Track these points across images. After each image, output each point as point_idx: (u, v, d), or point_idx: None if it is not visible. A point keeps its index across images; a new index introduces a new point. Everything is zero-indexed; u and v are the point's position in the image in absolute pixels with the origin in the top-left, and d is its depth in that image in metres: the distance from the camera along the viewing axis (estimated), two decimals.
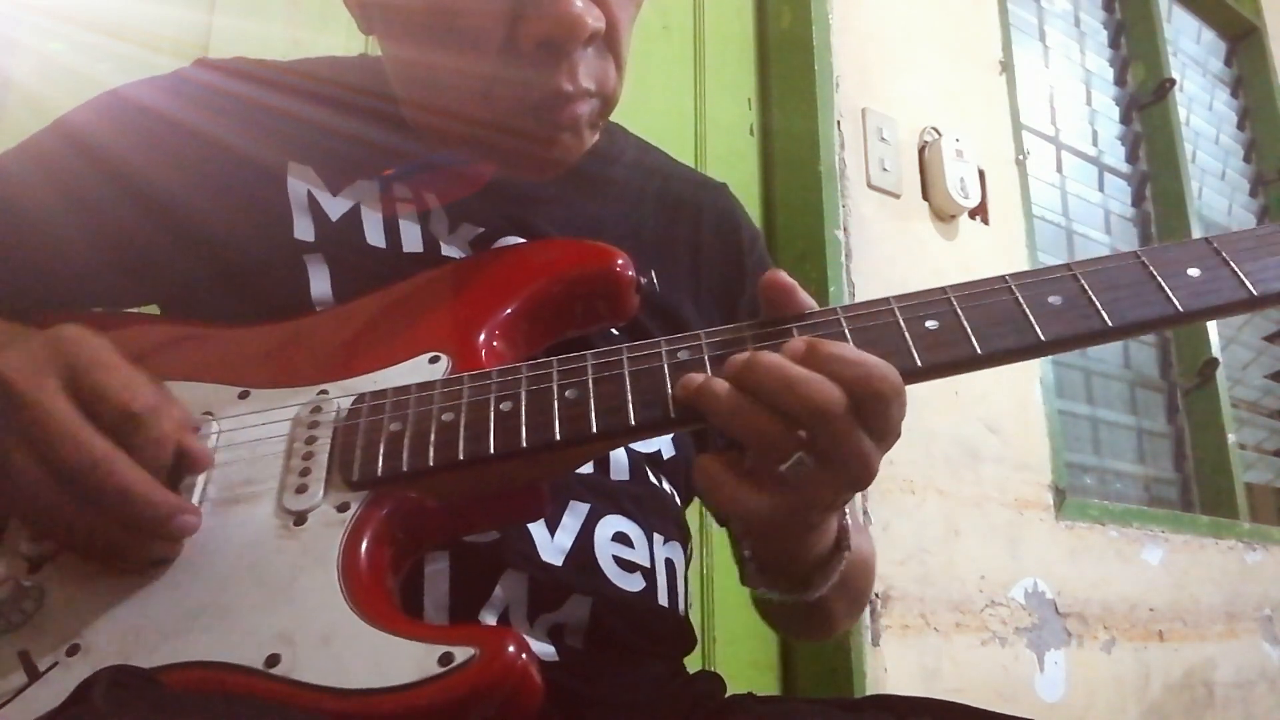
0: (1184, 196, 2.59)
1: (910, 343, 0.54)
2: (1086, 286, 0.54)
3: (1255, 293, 0.53)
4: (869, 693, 1.44)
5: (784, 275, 0.57)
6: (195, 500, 0.55)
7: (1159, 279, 0.54)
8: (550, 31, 0.61)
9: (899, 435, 0.53)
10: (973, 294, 0.55)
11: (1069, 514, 1.91)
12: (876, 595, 1.54)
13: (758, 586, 0.62)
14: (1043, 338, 0.53)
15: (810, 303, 0.57)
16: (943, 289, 0.56)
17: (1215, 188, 2.83)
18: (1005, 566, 1.76)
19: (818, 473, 0.51)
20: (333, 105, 0.74)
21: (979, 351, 0.53)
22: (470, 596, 0.60)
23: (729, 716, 0.66)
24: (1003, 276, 0.56)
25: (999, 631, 1.71)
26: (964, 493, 1.73)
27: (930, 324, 0.54)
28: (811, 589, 0.61)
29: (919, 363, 0.53)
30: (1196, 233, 2.56)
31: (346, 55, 0.83)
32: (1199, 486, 2.45)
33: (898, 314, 0.55)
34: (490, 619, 0.60)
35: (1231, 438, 2.44)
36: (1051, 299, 0.54)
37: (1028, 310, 0.54)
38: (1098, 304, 0.53)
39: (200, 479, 0.56)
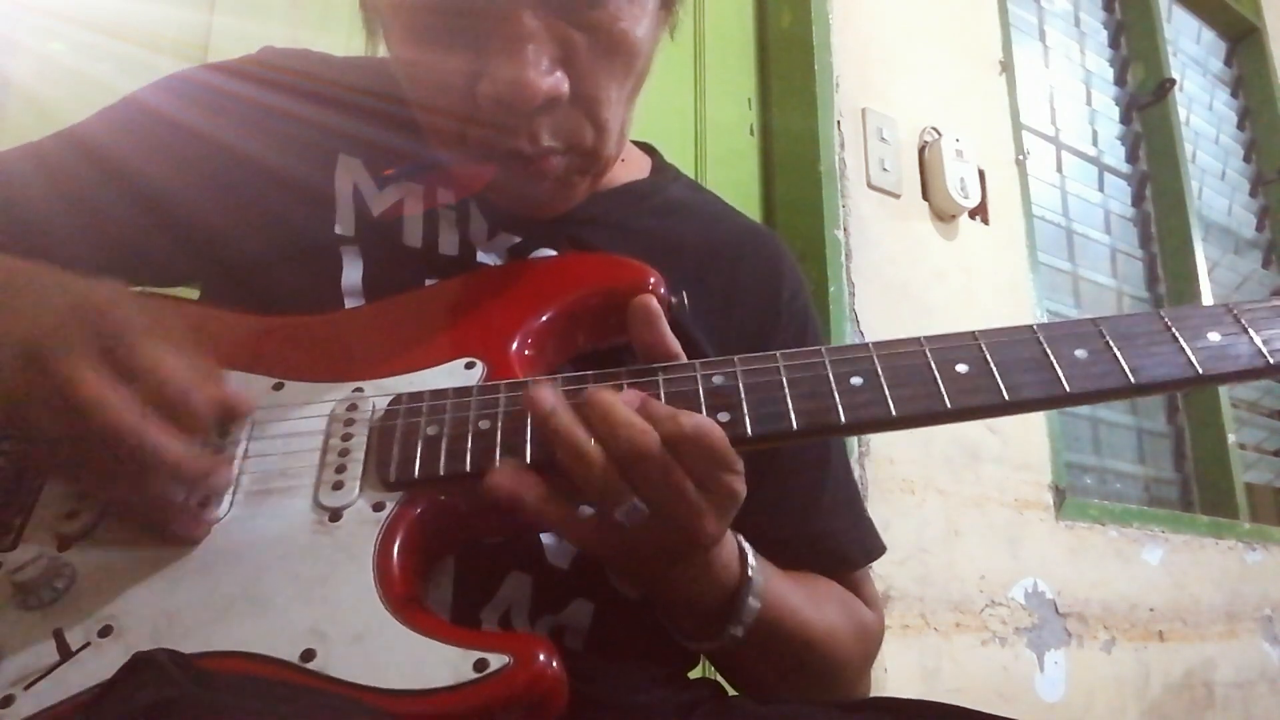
0: (1184, 196, 2.58)
1: (941, 385, 0.55)
2: (1111, 344, 0.56)
3: (1271, 361, 0.55)
4: (870, 693, 1.44)
5: (652, 303, 0.59)
6: (229, 489, 0.56)
7: (1181, 341, 0.55)
8: (501, 95, 0.60)
9: (735, 498, 0.54)
10: (1001, 342, 0.57)
11: (1069, 514, 1.91)
12: None
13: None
14: (1069, 390, 0.54)
15: (670, 341, 0.59)
16: (972, 334, 0.58)
17: (1215, 188, 2.83)
18: (1005, 566, 1.76)
19: (652, 520, 0.52)
20: (389, 103, 0.74)
21: (1007, 399, 0.54)
22: (473, 596, 0.60)
23: (729, 718, 0.66)
24: (1030, 326, 0.57)
25: (999, 631, 1.71)
26: (964, 493, 1.73)
27: (961, 368, 0.56)
28: (706, 641, 0.62)
29: (949, 405, 0.55)
30: (1197, 233, 2.57)
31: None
32: (1199, 486, 2.45)
33: (929, 355, 0.56)
34: (492, 619, 0.61)
35: (1231, 438, 2.44)
36: (1078, 353, 0.56)
37: (1054, 362, 0.55)
38: (1123, 363, 0.55)
39: (235, 466, 0.56)
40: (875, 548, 0.80)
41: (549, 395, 0.54)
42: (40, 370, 0.49)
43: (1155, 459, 2.45)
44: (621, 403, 0.53)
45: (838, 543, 0.77)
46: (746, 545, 0.62)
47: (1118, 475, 2.32)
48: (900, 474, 1.64)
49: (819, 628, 0.68)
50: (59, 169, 0.71)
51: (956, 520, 1.70)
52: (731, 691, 0.72)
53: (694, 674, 0.74)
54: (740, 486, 0.54)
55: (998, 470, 1.81)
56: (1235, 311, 0.57)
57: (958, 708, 0.58)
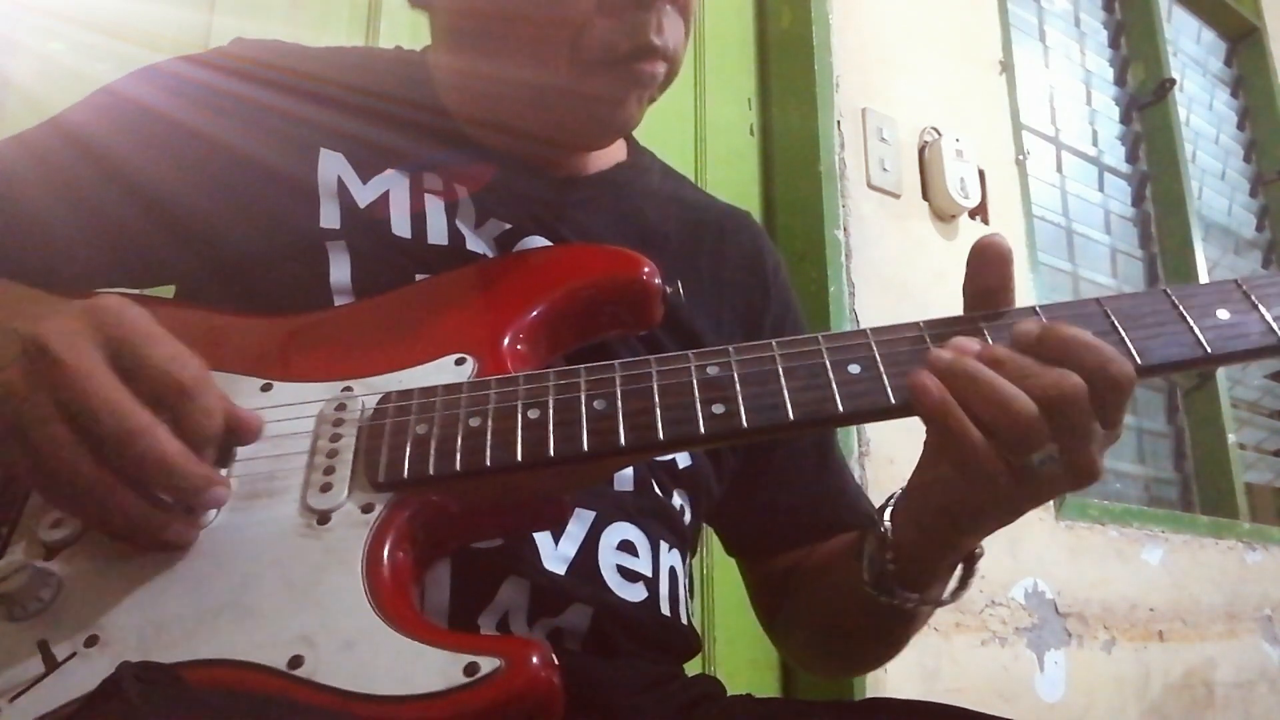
0: (1184, 196, 2.58)
1: None
2: (1117, 324, 0.54)
3: None
4: (868, 692, 1.44)
5: (1002, 242, 0.56)
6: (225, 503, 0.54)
7: (1189, 320, 0.53)
8: None
9: (1119, 433, 0.53)
10: (1003, 325, 0.54)
11: (1069, 514, 1.91)
12: None
13: (887, 588, 0.66)
14: None
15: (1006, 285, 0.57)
16: (972, 317, 0.56)
17: (1215, 188, 2.83)
18: (1005, 566, 1.76)
19: (1057, 468, 0.51)
20: (366, 94, 0.74)
21: None
22: (470, 601, 0.60)
23: (727, 717, 0.66)
24: (1032, 307, 0.55)
25: (999, 631, 1.71)
26: None
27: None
28: (932, 590, 0.67)
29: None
30: (1197, 233, 2.56)
31: (382, 48, 0.84)
32: (1199, 486, 2.44)
33: (928, 340, 0.55)
34: (490, 624, 0.60)
35: (1231, 438, 2.44)
36: None
37: None
38: (1129, 344, 0.53)
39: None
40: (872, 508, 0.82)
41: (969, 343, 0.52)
42: (48, 363, 0.48)
43: (1155, 459, 2.45)
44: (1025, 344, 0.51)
45: (854, 499, 0.82)
46: None
47: (1118, 475, 2.31)
48: (900, 474, 1.63)
49: None
50: (57, 168, 0.70)
51: None
52: (732, 690, 0.72)
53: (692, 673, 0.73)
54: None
55: None
56: (1245, 287, 0.54)
57: (956, 708, 0.58)
